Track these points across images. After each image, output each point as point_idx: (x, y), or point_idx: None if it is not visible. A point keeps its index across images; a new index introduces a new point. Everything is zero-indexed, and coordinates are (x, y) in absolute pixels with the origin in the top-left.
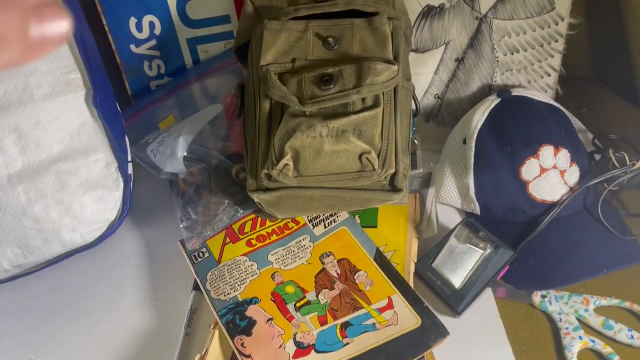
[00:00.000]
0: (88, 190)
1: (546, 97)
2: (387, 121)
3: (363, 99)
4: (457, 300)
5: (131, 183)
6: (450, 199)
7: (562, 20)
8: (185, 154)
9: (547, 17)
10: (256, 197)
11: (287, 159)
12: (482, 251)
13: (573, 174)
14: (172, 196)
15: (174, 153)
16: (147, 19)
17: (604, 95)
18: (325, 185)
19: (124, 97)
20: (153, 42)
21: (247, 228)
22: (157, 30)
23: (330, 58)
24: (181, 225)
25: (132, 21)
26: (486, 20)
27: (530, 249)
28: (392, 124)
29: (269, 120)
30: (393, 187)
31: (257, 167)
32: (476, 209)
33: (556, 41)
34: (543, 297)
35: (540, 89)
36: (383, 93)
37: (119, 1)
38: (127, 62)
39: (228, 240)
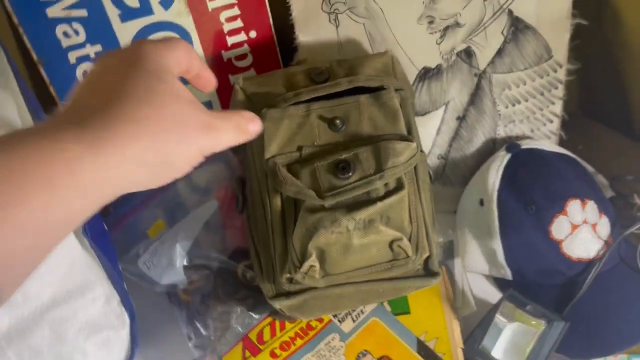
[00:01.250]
0: (90, 335)
1: (556, 147)
2: (413, 202)
3: (386, 183)
4: None
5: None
6: (477, 266)
7: (561, 67)
8: (185, 262)
9: (546, 65)
10: (278, 305)
11: (313, 260)
12: (536, 329)
13: (604, 226)
14: (175, 310)
15: (171, 263)
16: None
17: (597, 132)
18: (355, 281)
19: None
20: None
21: (267, 335)
22: None
23: (340, 141)
24: (190, 345)
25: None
26: (485, 76)
27: (576, 313)
28: (418, 203)
29: (282, 218)
30: (428, 271)
31: (274, 271)
32: (507, 274)
33: (556, 88)
34: None
35: (544, 136)
36: (404, 173)
37: None
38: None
39: (248, 354)
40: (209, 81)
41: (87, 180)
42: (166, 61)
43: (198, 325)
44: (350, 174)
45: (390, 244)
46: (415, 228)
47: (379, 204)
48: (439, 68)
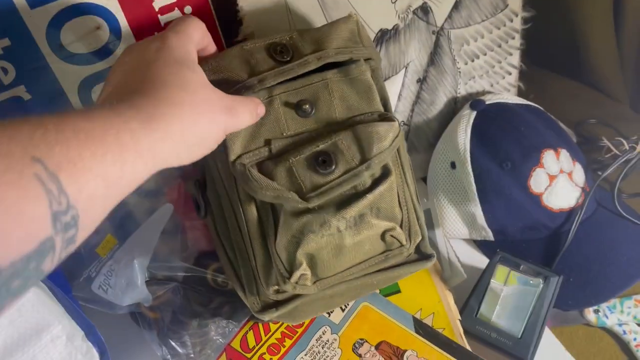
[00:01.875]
0: None
1: (518, 99)
2: (400, 186)
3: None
4: (523, 350)
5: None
6: (456, 231)
7: (516, 15)
8: (147, 277)
9: (502, 15)
10: (267, 317)
11: (303, 269)
12: (535, 288)
13: (579, 173)
14: (144, 332)
15: (132, 282)
16: None
17: (547, 80)
18: (349, 279)
19: None
20: None
21: (251, 341)
22: None
23: (312, 128)
24: None
25: None
26: (444, 33)
27: (565, 265)
28: (404, 185)
29: (260, 225)
30: (421, 254)
31: (257, 283)
32: (489, 235)
33: (513, 38)
34: (596, 312)
35: (504, 89)
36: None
37: None
38: None
39: None
40: (213, 53)
41: (145, 147)
42: (190, 49)
43: (173, 344)
44: (333, 167)
45: (383, 235)
46: (405, 213)
47: (369, 197)
48: (396, 29)
